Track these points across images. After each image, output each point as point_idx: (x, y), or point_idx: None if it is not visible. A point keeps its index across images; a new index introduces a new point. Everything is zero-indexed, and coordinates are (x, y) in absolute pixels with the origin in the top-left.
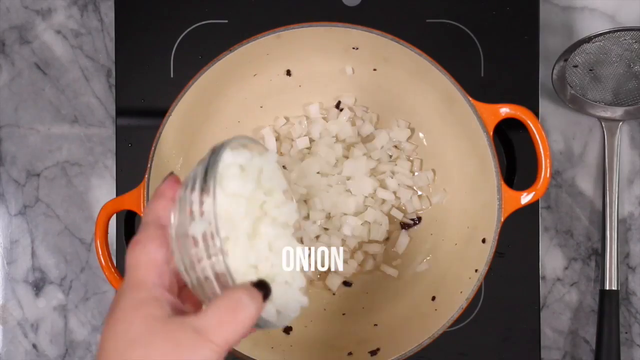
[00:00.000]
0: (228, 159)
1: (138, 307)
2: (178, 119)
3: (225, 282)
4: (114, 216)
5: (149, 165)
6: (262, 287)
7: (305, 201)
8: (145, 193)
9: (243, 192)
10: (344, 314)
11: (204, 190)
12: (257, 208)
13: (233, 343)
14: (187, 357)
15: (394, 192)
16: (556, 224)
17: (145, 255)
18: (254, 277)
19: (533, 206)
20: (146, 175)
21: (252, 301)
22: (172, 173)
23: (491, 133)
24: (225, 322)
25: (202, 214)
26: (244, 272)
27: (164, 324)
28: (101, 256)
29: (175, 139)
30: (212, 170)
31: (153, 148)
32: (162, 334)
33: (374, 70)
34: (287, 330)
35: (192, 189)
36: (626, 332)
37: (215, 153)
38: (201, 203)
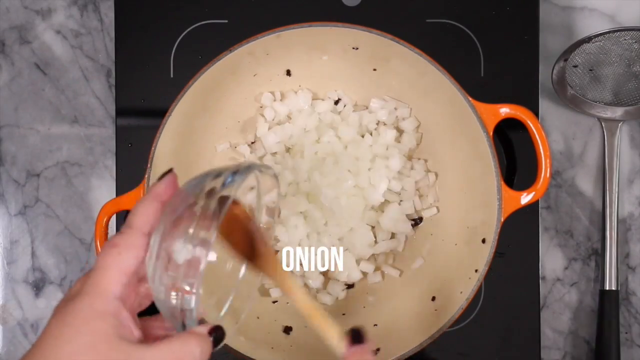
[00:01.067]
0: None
1: (91, 318)
2: (178, 119)
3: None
4: (114, 216)
5: (149, 166)
6: (218, 335)
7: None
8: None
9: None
10: (344, 314)
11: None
12: None
13: None
14: None
15: (398, 193)
16: (556, 224)
17: (118, 262)
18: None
19: (533, 206)
20: (146, 176)
21: (202, 354)
22: (171, 170)
23: (491, 133)
24: None
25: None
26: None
27: (110, 346)
28: None
29: (176, 139)
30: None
31: (153, 148)
32: (105, 356)
33: (374, 70)
34: (287, 330)
35: (201, 204)
36: (626, 332)
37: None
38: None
